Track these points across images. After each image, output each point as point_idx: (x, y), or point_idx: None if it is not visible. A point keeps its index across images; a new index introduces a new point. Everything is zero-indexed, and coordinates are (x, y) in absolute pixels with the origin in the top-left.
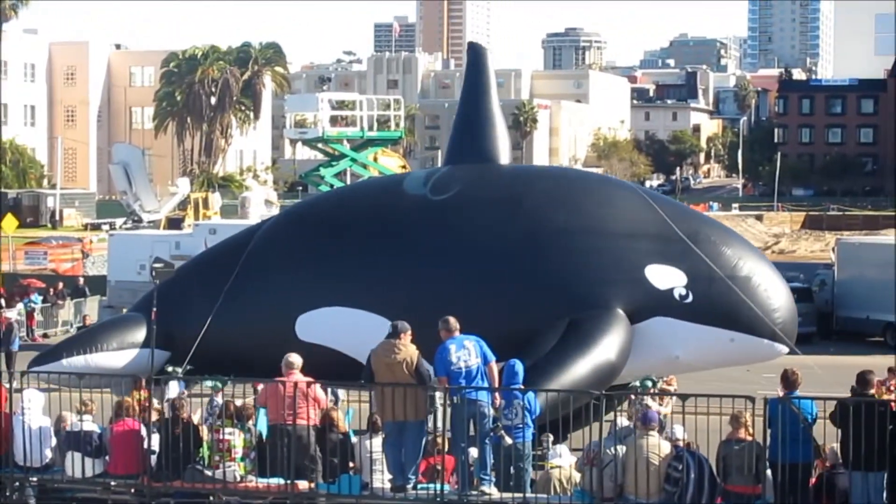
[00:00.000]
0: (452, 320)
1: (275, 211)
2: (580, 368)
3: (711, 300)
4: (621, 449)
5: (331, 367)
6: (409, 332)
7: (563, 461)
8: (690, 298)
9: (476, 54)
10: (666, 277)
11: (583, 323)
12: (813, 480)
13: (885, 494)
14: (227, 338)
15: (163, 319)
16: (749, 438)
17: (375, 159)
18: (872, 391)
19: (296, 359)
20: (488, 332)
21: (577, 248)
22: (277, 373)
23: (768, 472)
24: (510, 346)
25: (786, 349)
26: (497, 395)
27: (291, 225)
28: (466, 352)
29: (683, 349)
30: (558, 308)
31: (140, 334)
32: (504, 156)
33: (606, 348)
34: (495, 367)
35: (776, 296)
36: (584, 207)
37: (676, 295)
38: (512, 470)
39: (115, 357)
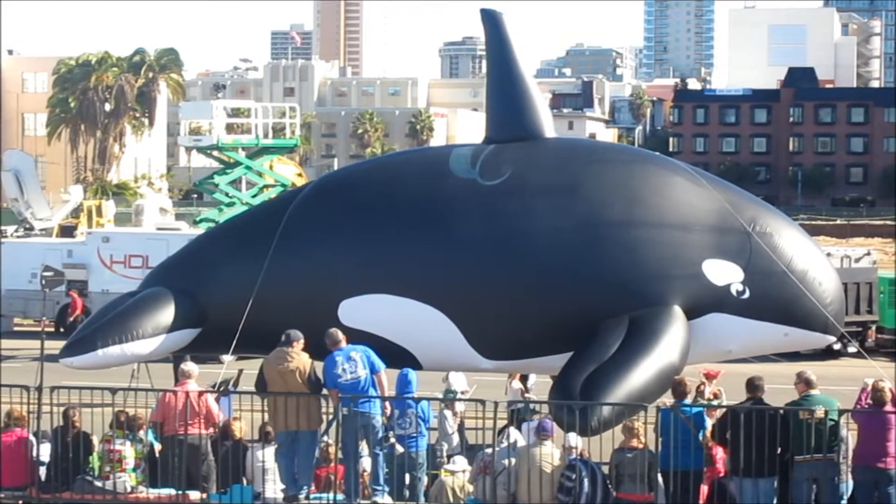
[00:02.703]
0: (336, 332)
1: (170, 219)
2: (646, 372)
3: (768, 296)
4: (514, 458)
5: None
6: (302, 341)
7: (458, 469)
8: (747, 294)
9: (493, 21)
10: (723, 273)
11: (646, 322)
12: (705, 487)
13: (774, 501)
14: (265, 316)
15: (188, 292)
16: (641, 446)
17: (271, 167)
18: (762, 397)
19: (191, 367)
20: (545, 327)
21: (636, 240)
22: (318, 357)
23: (660, 479)
24: (567, 339)
25: (833, 338)
26: (388, 404)
27: (332, 199)
28: (353, 363)
29: (737, 344)
30: (617, 304)
31: (171, 315)
32: (549, 128)
33: (670, 350)
34: (384, 377)
35: (830, 287)
36: (643, 195)
37: (734, 291)
38: (406, 478)
39: (150, 343)
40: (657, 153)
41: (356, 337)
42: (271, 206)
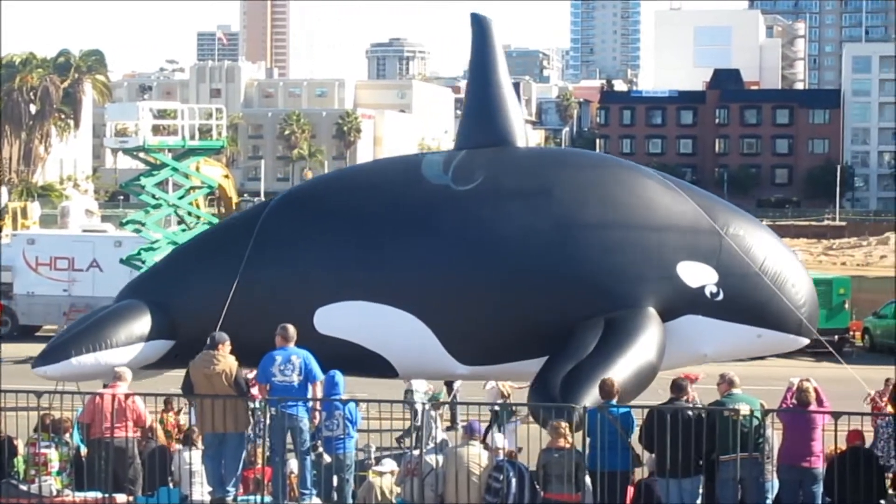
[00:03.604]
0: (291, 329)
1: (95, 221)
2: (624, 371)
3: (741, 297)
4: (441, 459)
5: (351, 361)
6: (228, 343)
7: (385, 470)
8: (721, 296)
9: (481, 26)
10: (697, 274)
11: (621, 323)
12: (631, 488)
13: (699, 501)
14: (238, 327)
15: (162, 305)
16: (568, 447)
17: (198, 169)
18: (686, 398)
19: (123, 370)
20: (521, 331)
21: (610, 242)
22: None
23: (587, 479)
24: (543, 343)
25: (807, 340)
26: (317, 412)
27: (305, 209)
28: (291, 366)
29: (711, 346)
30: (592, 306)
31: (146, 325)
32: (520, 137)
33: (647, 350)
34: (319, 387)
35: (803, 290)
36: (616, 198)
37: (707, 293)
38: (335, 480)
39: (123, 353)
40: (626, 160)
41: (332, 345)
42: (243, 217)
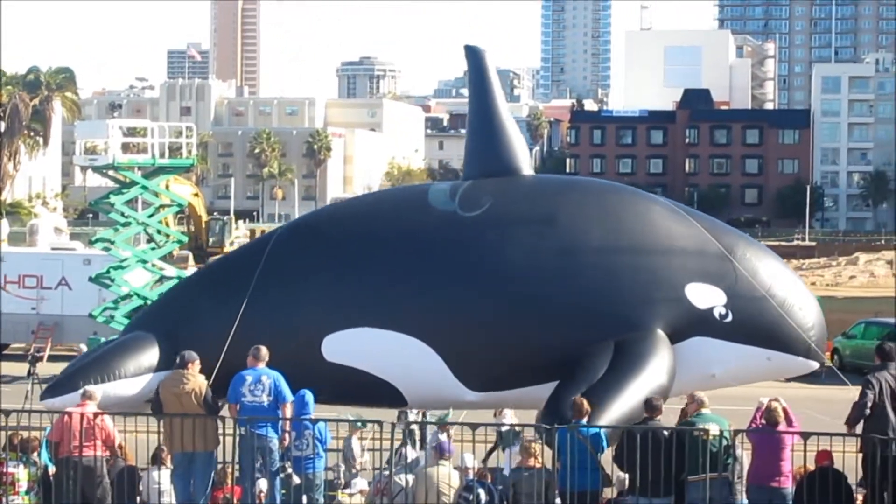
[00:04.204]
0: (263, 350)
1: (64, 239)
2: (637, 394)
3: (750, 319)
4: (411, 479)
5: (360, 390)
6: (197, 362)
7: (355, 490)
8: (730, 318)
9: (476, 58)
10: (706, 296)
11: (631, 347)
12: None
13: None
14: (245, 357)
15: (170, 336)
16: (538, 466)
17: (167, 187)
18: (659, 418)
19: (93, 390)
20: (530, 356)
21: (618, 266)
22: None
23: (557, 500)
24: (552, 368)
25: (817, 364)
26: (287, 434)
27: (310, 239)
28: (261, 387)
29: (720, 368)
30: (600, 330)
31: (154, 357)
32: (526, 166)
33: (658, 373)
34: (289, 409)
35: (811, 313)
36: (622, 222)
37: (716, 314)
38: (304, 500)
39: (131, 384)
40: (631, 186)
41: (341, 373)
42: (249, 247)
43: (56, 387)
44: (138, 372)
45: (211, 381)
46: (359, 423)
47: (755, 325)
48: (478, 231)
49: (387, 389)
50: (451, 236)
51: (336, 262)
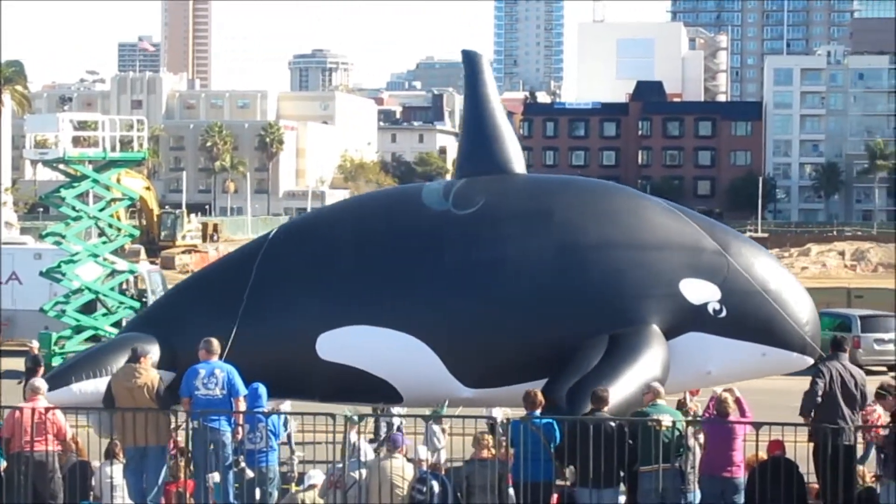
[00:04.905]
0: (215, 343)
1: (15, 234)
2: (630, 386)
3: (745, 315)
4: (365, 471)
5: (355, 387)
6: (150, 356)
7: (314, 482)
8: (724, 313)
9: (472, 61)
10: (701, 292)
11: (625, 340)
12: (554, 498)
13: None
14: (242, 358)
15: (164, 338)
16: (491, 457)
17: (119, 181)
18: (606, 409)
19: (41, 384)
20: (525, 352)
21: (613, 261)
22: (297, 394)
23: (511, 490)
24: (547, 364)
25: (812, 360)
26: (240, 427)
27: (305, 238)
28: (214, 380)
29: (716, 364)
30: (596, 325)
31: (151, 356)
32: (519, 165)
33: (652, 366)
34: (242, 402)
35: (805, 308)
36: (616, 217)
37: (710, 310)
38: (257, 494)
39: None
40: (623, 185)
41: (336, 371)
42: (245, 248)
43: (49, 381)
44: None
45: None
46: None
47: (750, 320)
48: (472, 229)
49: (382, 387)
50: (445, 234)
51: (331, 261)
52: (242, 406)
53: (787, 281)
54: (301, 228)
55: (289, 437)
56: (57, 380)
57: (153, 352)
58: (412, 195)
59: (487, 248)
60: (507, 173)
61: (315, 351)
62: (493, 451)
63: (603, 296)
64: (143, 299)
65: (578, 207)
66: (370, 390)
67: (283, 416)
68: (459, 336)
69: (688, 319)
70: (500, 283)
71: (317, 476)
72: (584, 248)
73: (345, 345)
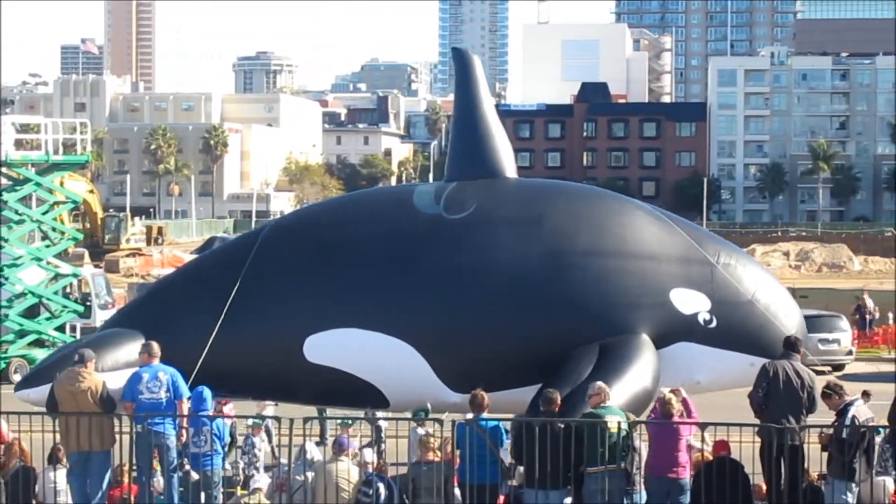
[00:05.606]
0: (155, 346)
1: None
2: (621, 397)
3: (735, 325)
4: (311, 474)
5: (342, 390)
6: (95, 360)
7: (259, 486)
8: (714, 323)
9: (463, 61)
10: (691, 301)
11: (616, 349)
12: (501, 500)
13: None
14: (227, 358)
15: (149, 334)
16: (437, 460)
17: (62, 184)
18: (556, 409)
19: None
20: (514, 358)
21: (603, 269)
22: (282, 397)
23: (457, 491)
24: (537, 371)
25: None
26: (184, 430)
27: (296, 236)
28: (157, 383)
29: (705, 374)
30: (585, 333)
31: (132, 353)
32: (510, 169)
33: (643, 375)
34: (186, 405)
35: (793, 319)
36: (608, 226)
37: (701, 320)
38: (202, 497)
39: (108, 378)
40: (616, 192)
41: (322, 374)
42: (232, 245)
43: (30, 379)
44: (115, 367)
45: (190, 381)
46: (259, 422)
47: (740, 330)
48: (463, 233)
49: (369, 391)
50: (436, 238)
51: (319, 263)
52: (186, 408)
53: (776, 290)
54: (290, 228)
55: (245, 440)
56: (38, 377)
57: (132, 347)
58: (403, 198)
59: (478, 253)
60: (498, 177)
61: (302, 353)
62: (439, 453)
63: (593, 304)
64: (87, 303)
65: (570, 214)
66: (356, 394)
67: (229, 421)
68: (448, 341)
69: (678, 329)
70: (490, 289)
71: (262, 480)
72: (574, 256)
73: (332, 348)
